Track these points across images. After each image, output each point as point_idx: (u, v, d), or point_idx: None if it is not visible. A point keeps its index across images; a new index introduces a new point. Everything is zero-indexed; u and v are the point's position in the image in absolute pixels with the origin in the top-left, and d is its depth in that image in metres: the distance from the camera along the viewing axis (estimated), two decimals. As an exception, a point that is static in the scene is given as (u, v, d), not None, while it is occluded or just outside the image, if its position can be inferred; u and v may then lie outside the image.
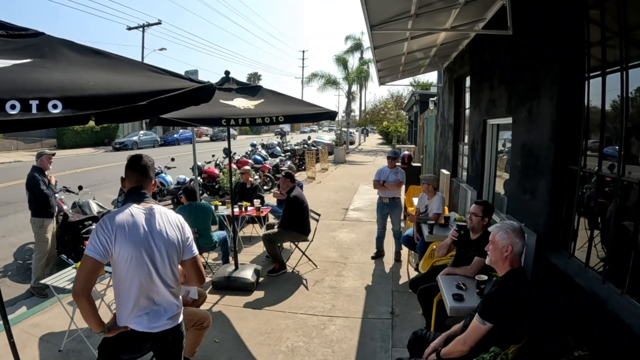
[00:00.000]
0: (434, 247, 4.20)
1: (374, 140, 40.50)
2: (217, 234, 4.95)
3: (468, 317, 2.30)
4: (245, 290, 4.31)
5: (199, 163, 9.14)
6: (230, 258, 4.89)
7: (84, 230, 5.03)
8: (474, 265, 3.06)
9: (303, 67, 51.55)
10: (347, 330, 3.52)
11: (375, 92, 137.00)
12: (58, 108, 1.34)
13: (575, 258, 2.40)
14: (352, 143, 30.61)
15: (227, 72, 4.42)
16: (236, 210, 5.36)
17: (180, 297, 2.05)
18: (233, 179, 5.99)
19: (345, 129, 28.11)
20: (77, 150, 22.75)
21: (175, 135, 28.65)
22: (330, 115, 4.25)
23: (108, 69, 1.68)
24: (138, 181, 1.89)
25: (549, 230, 2.62)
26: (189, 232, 1.96)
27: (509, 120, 3.63)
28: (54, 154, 4.70)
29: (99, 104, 1.42)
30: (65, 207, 5.52)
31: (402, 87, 30.50)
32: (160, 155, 17.65)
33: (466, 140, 5.94)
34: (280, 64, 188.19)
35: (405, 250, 5.24)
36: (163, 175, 8.96)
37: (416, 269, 4.88)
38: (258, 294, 4.28)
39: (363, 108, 36.64)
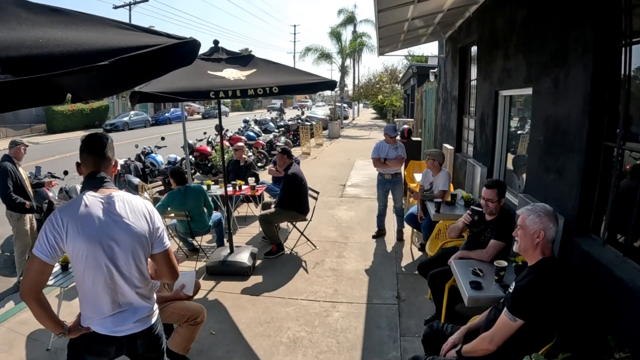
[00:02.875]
0: (441, 227, 3.99)
1: (367, 115, 39.87)
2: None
3: (492, 309, 2.08)
4: (241, 275, 4.08)
5: (190, 141, 8.76)
6: (225, 240, 4.64)
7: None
8: (490, 248, 2.84)
9: (295, 41, 49.91)
10: (351, 317, 3.32)
11: (369, 66, 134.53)
12: (-5, 72, 1.03)
13: (609, 246, 2.16)
14: (345, 118, 30.10)
15: (215, 42, 4.04)
16: (230, 189, 5.06)
17: (155, 295, 1.79)
18: (226, 156, 5.67)
19: (339, 104, 27.53)
20: (68, 134, 21.93)
21: (166, 114, 27.98)
22: (329, 84, 3.91)
23: (65, 27, 1.33)
24: (95, 164, 1.62)
25: (579, 213, 2.37)
26: (159, 221, 1.68)
27: (527, 91, 3.31)
28: (27, 146, 4.31)
29: (50, 64, 1.10)
30: (50, 194, 5.19)
31: (397, 60, 29.84)
32: (151, 134, 17.22)
33: (472, 113, 5.63)
34: (272, 39, 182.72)
35: (408, 229, 5.03)
36: (153, 155, 8.56)
37: (420, 249, 4.69)
38: (255, 279, 4.06)
39: (357, 82, 35.80)
